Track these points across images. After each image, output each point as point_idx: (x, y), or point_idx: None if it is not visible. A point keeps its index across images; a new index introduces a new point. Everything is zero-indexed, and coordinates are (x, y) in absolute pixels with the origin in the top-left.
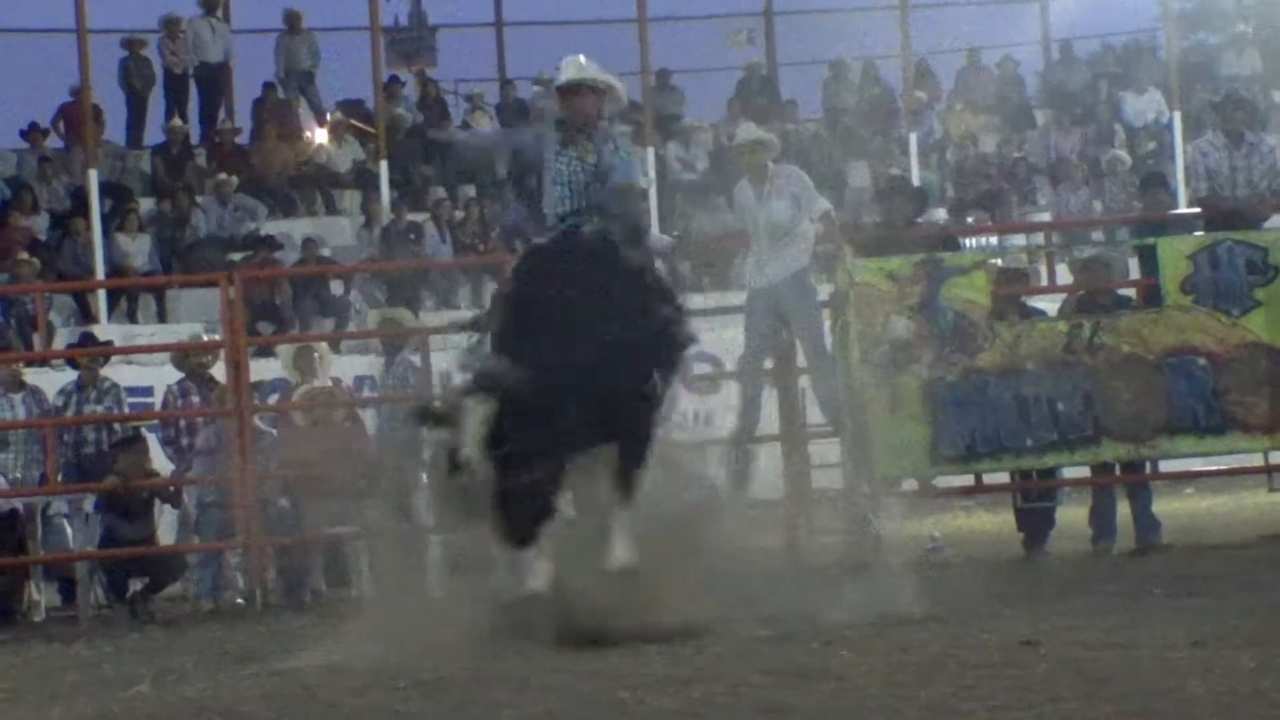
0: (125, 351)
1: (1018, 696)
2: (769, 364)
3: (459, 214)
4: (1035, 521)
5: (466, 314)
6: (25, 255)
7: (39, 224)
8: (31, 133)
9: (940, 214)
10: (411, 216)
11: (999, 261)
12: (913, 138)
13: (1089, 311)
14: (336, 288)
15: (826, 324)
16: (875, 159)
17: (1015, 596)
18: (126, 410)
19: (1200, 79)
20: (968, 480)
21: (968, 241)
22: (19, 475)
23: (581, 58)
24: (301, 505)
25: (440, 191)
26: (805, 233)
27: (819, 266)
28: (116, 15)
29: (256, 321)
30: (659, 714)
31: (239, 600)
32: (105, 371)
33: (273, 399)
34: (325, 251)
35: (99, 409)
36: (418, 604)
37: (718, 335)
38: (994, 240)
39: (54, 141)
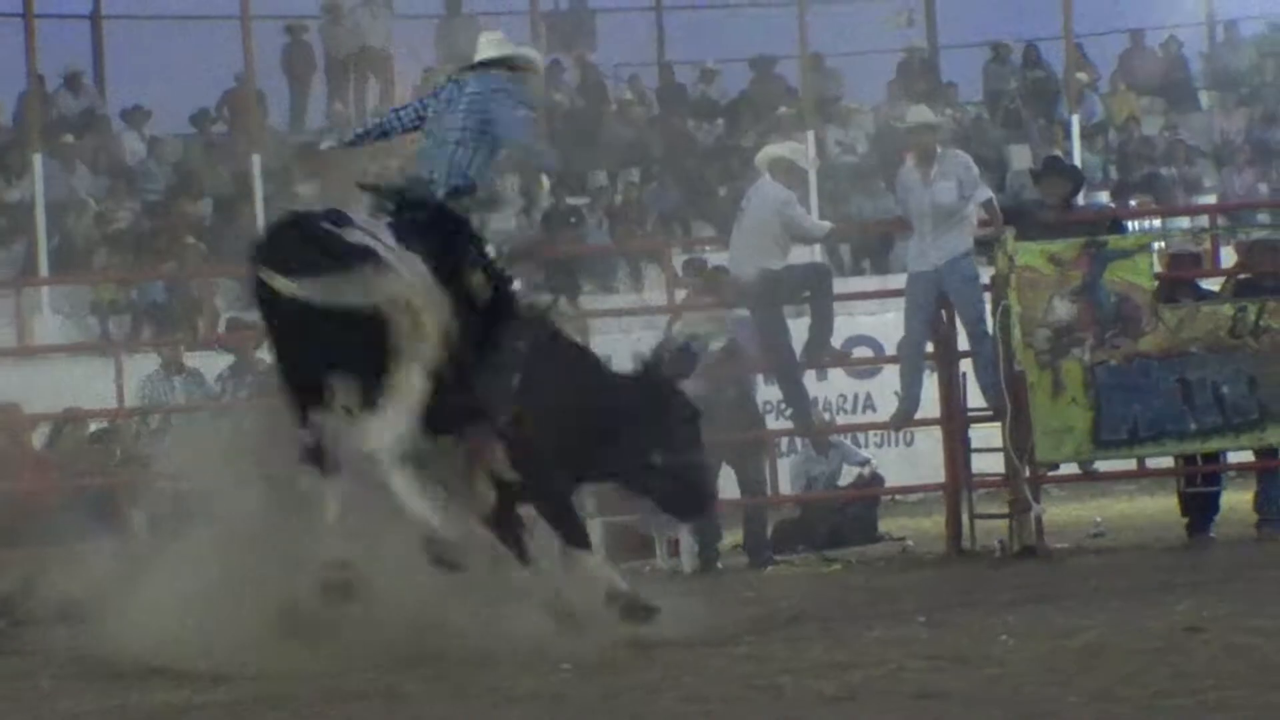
0: None
1: (1180, 684)
2: (929, 347)
3: (618, 199)
4: (1199, 506)
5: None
6: (191, 239)
7: (204, 209)
8: (198, 119)
9: (1103, 197)
10: (571, 201)
11: (1164, 245)
12: (1074, 120)
13: (1253, 294)
14: None
15: (987, 307)
16: (1037, 142)
17: (1178, 582)
18: None
19: None
20: (1130, 465)
21: (1131, 224)
22: None
23: (499, 34)
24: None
25: (600, 176)
26: (968, 217)
27: (979, 250)
28: (279, 1)
29: None
30: (817, 698)
31: None
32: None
33: None
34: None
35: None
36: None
37: (878, 319)
38: (1157, 223)
39: (219, 127)
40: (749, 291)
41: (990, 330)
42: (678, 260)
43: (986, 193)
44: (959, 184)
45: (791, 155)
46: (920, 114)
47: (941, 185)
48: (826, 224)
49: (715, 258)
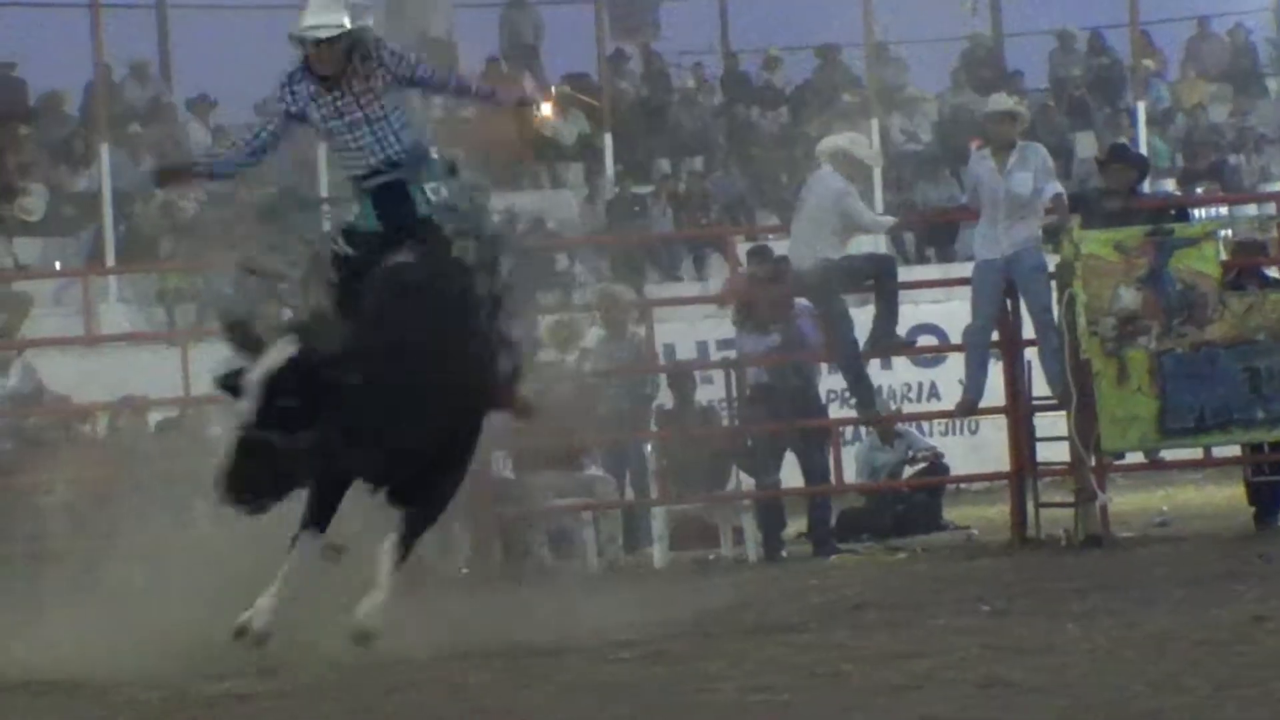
0: None
1: (1246, 674)
2: (994, 336)
3: (681, 187)
4: (1266, 495)
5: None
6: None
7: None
8: (263, 107)
9: (1169, 185)
10: (635, 189)
11: (1230, 232)
12: (1140, 107)
13: None
14: (561, 261)
15: (1054, 296)
16: (1102, 130)
17: (1245, 572)
18: None
19: None
20: (1196, 453)
21: (1197, 212)
22: None
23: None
24: (526, 478)
25: (664, 165)
26: (1039, 209)
27: (1045, 238)
28: None
29: None
30: (881, 687)
31: (462, 570)
32: None
33: None
34: (549, 224)
35: None
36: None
37: (943, 307)
38: (1224, 211)
39: None
40: (808, 281)
41: (1055, 319)
42: (741, 249)
43: (1057, 187)
44: (1034, 176)
45: (851, 146)
46: (1002, 102)
47: (1019, 176)
48: (887, 218)
49: (779, 246)
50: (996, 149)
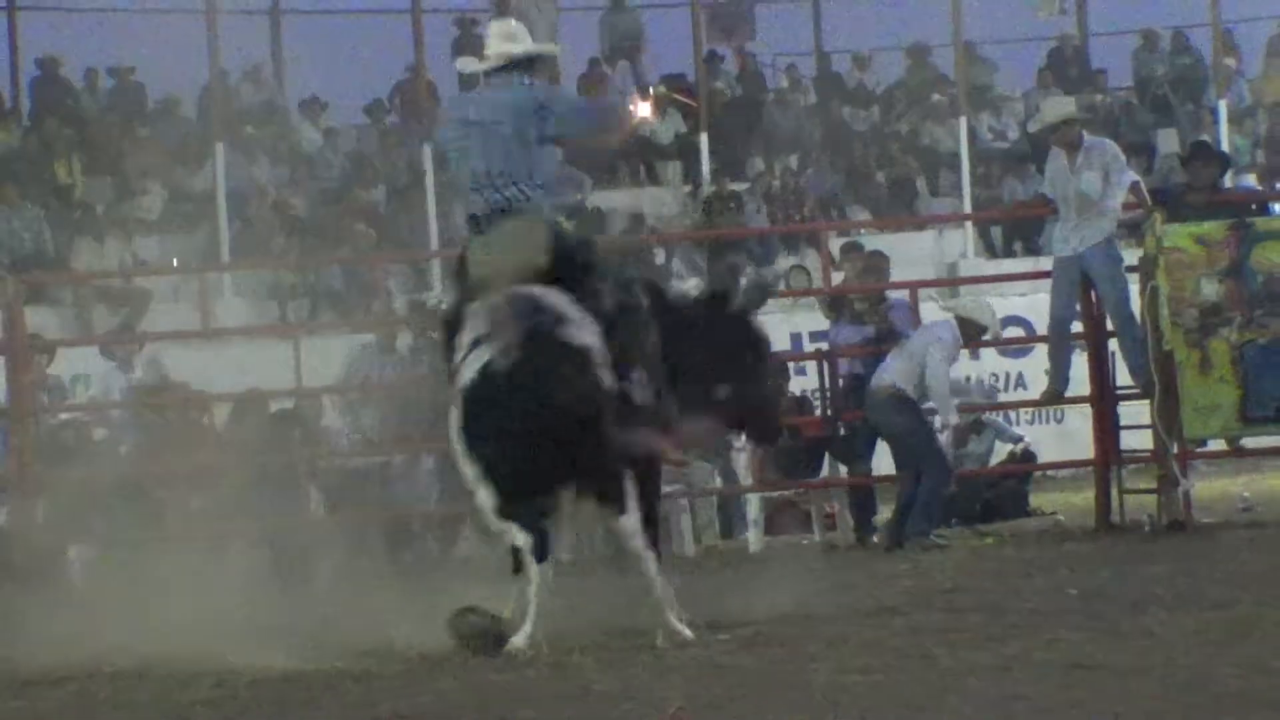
0: None
1: None
2: (1078, 327)
3: (776, 183)
4: None
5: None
6: (363, 226)
7: (378, 196)
8: (372, 109)
9: (1250, 179)
10: (731, 186)
11: None
12: (1222, 105)
13: None
14: (659, 255)
15: (1134, 288)
16: (1185, 127)
17: None
18: None
19: None
20: (1277, 441)
21: (1277, 206)
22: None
23: (512, 22)
24: None
25: (759, 162)
26: (1113, 205)
27: (1126, 232)
28: None
29: None
30: (972, 668)
31: (565, 556)
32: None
33: None
34: (649, 220)
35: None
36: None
37: (1029, 300)
38: None
39: (392, 117)
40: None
41: (1135, 313)
42: (834, 243)
43: (1133, 176)
44: (1104, 173)
45: (976, 314)
46: (1057, 109)
47: (1086, 175)
48: (953, 415)
49: (870, 241)
50: (1066, 149)
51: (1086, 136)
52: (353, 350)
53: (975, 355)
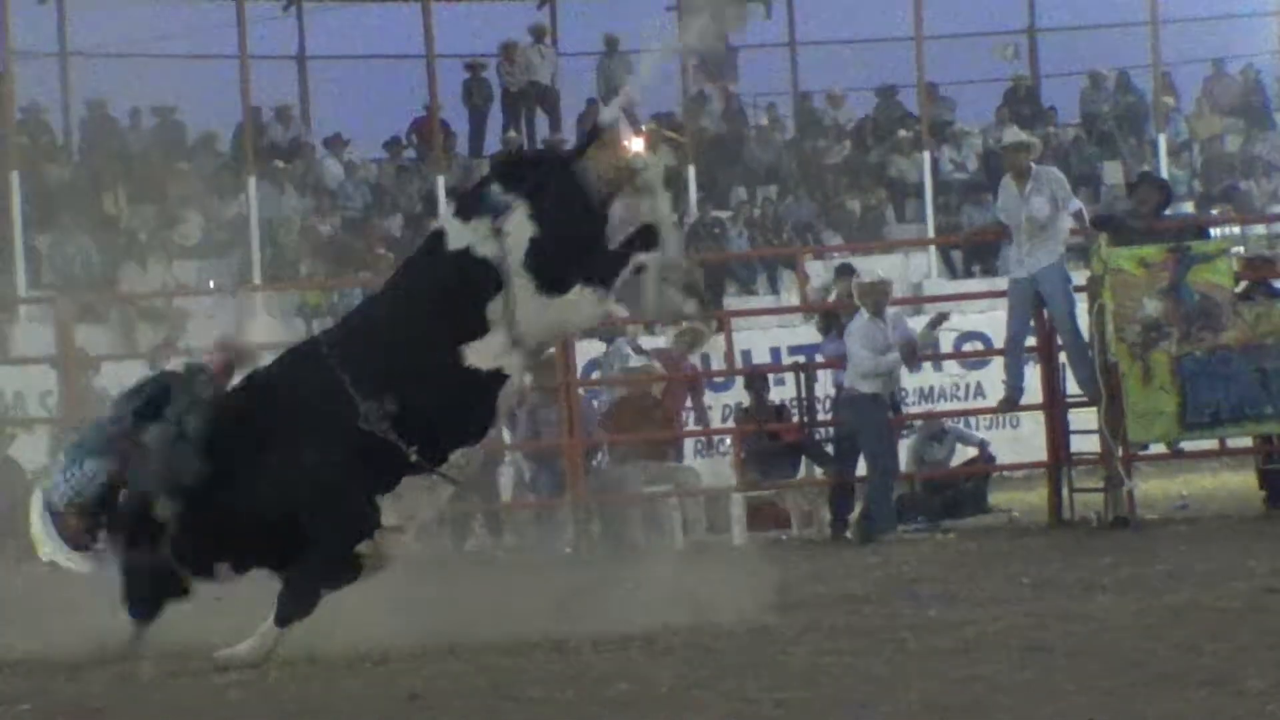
0: None
1: (1260, 638)
2: (1031, 341)
3: (756, 211)
4: (1276, 481)
5: (765, 299)
6: (384, 251)
7: (395, 224)
8: (390, 145)
9: (1187, 207)
10: (715, 213)
11: (1241, 249)
12: (1162, 139)
13: None
14: None
15: (1082, 306)
16: (1128, 159)
17: (1259, 549)
18: None
19: None
20: (1213, 444)
21: (1213, 232)
22: None
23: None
24: (621, 468)
25: (741, 192)
26: (1061, 228)
27: (1074, 255)
28: (459, 42)
29: None
30: (934, 651)
31: (567, 550)
32: None
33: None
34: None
35: None
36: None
37: (988, 316)
38: (1237, 230)
39: (409, 153)
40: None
41: (1082, 330)
42: (810, 266)
43: (1077, 203)
44: (1052, 198)
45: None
46: (1013, 135)
47: (1035, 200)
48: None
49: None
50: (1016, 176)
51: (1034, 166)
52: None
53: (938, 367)
